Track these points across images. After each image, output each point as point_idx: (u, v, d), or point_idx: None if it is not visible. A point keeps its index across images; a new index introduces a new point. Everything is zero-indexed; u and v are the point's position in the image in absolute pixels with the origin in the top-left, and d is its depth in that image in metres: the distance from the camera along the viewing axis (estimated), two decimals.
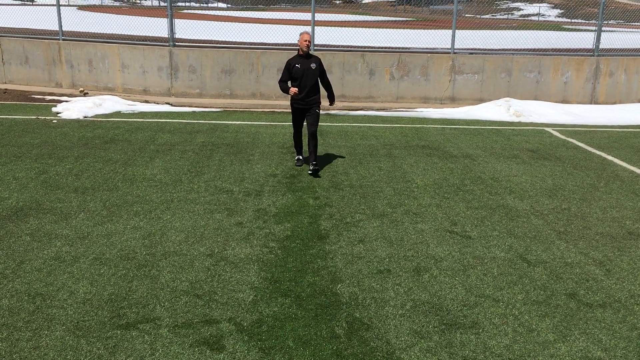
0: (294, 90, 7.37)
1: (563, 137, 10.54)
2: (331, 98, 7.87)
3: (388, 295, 4.50)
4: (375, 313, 4.23)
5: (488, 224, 6.03)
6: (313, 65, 7.45)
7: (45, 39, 14.04)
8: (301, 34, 7.44)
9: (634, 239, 5.74)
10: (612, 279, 4.88)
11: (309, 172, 7.49)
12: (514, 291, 4.61)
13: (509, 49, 14.24)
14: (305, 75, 7.43)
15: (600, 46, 13.55)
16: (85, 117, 11.10)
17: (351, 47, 14.48)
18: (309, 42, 7.44)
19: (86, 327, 3.93)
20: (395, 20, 44.84)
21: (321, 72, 7.63)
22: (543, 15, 63.51)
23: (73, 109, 11.33)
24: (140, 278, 4.64)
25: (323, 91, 7.95)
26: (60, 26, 13.85)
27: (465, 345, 3.85)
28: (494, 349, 3.82)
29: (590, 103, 13.60)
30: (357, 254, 5.21)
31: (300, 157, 8.07)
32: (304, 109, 7.64)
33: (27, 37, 14.29)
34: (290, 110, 8.12)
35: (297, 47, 7.68)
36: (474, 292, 4.57)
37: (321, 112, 12.31)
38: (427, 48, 13.83)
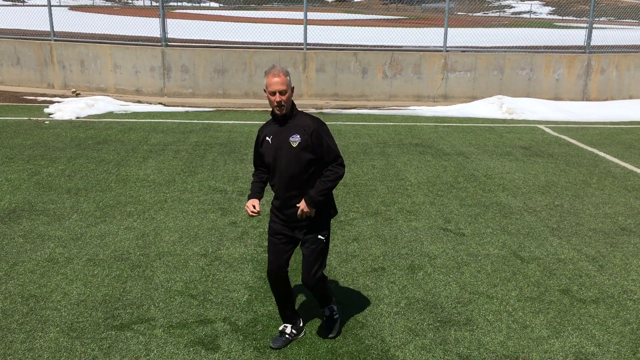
0: (249, 208, 3.61)
1: (555, 134, 10.58)
2: (316, 193, 3.54)
3: (382, 293, 4.50)
4: (369, 311, 4.24)
5: (481, 221, 6.05)
6: (294, 140, 3.51)
7: (36, 39, 13.97)
8: (267, 75, 3.54)
9: (627, 235, 5.77)
10: (605, 274, 4.90)
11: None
12: (508, 288, 4.63)
13: (501, 47, 14.28)
14: (278, 158, 3.57)
15: (592, 43, 13.61)
16: (78, 117, 11.06)
17: (344, 46, 14.48)
18: (283, 93, 3.48)
19: (80, 328, 3.92)
20: (388, 19, 44.87)
21: (315, 152, 3.53)
22: (535, 12, 63.69)
23: (65, 109, 11.28)
24: (134, 279, 4.63)
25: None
26: (52, 26, 13.78)
27: (459, 342, 3.86)
28: (488, 345, 3.83)
29: (582, 100, 13.66)
30: (351, 253, 5.22)
31: (286, 330, 3.86)
32: (289, 230, 3.69)
33: (19, 38, 14.21)
34: None
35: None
36: (468, 289, 4.58)
37: (314, 112, 12.30)
38: (419, 46, 13.85)
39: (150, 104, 12.63)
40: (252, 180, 3.83)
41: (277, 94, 3.47)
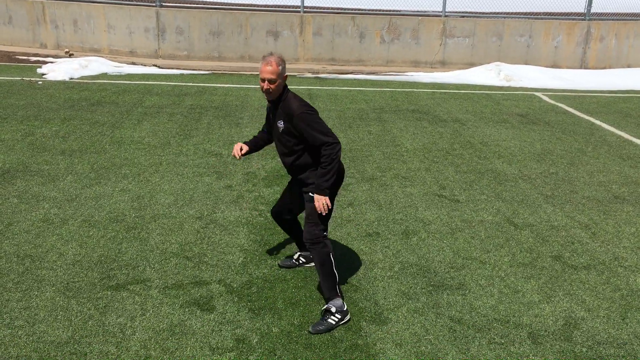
0: (236, 147, 4.02)
1: (552, 101, 10.54)
2: (321, 180, 3.59)
3: (377, 257, 4.54)
4: (363, 275, 4.28)
5: (476, 188, 6.07)
6: (280, 126, 3.72)
7: None
8: (262, 61, 3.65)
9: (620, 203, 5.81)
10: (597, 241, 4.95)
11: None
12: (501, 253, 4.67)
13: (501, 13, 14.10)
14: (274, 136, 3.89)
15: (592, 10, 13.46)
16: (71, 78, 10.93)
17: (341, 9, 14.26)
18: (272, 82, 3.58)
19: (76, 288, 3.95)
20: None
21: (300, 138, 3.67)
22: None
23: (58, 70, 11.14)
24: (129, 240, 4.64)
25: None
26: None
27: (451, 306, 3.91)
28: (479, 309, 3.88)
29: (581, 68, 13.58)
30: (346, 217, 5.24)
31: (294, 255, 4.40)
32: (294, 183, 4.02)
33: None
34: None
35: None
36: (461, 255, 4.62)
37: (310, 76, 12.20)
38: (418, 11, 13.66)
39: (145, 65, 12.48)
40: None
41: (266, 81, 3.58)
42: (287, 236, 4.76)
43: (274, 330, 3.58)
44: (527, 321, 3.77)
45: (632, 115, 9.61)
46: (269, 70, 3.56)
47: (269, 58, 3.61)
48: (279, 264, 4.33)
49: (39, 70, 11.30)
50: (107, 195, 5.52)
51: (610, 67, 13.66)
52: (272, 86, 3.59)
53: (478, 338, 3.58)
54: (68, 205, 5.24)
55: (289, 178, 4.22)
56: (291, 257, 4.38)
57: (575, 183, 6.32)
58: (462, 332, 3.64)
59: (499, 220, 5.29)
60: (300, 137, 3.66)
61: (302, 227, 3.93)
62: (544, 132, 8.33)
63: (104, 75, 11.37)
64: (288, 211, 4.07)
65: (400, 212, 5.40)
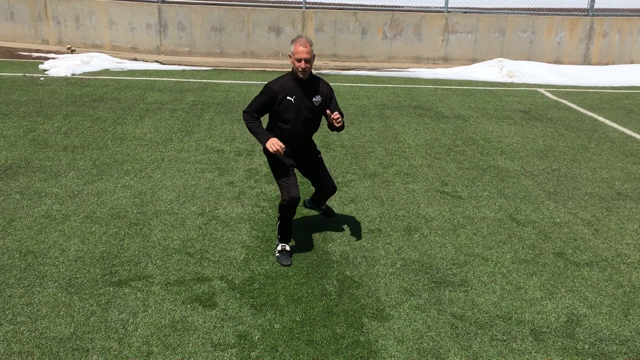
0: (279, 144, 4.12)
1: (555, 98, 10.52)
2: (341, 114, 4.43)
3: (378, 254, 4.54)
4: (365, 271, 4.27)
5: (479, 184, 6.06)
6: (317, 100, 4.26)
7: None
8: (295, 43, 4.09)
9: (622, 199, 5.80)
10: (600, 238, 4.94)
11: (320, 212, 4.89)
12: (503, 250, 4.67)
13: (504, 8, 14.04)
14: (301, 116, 4.24)
15: (595, 6, 13.41)
16: (73, 74, 10.92)
17: (343, 5, 14.22)
18: (308, 62, 4.07)
19: (78, 284, 3.95)
20: None
21: (326, 107, 4.35)
22: None
23: (60, 66, 11.14)
24: (131, 236, 4.65)
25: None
26: None
27: (453, 302, 3.91)
28: (481, 306, 3.88)
29: (584, 64, 13.53)
30: (348, 214, 5.24)
31: (287, 249, 4.42)
32: (297, 161, 4.48)
33: None
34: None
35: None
36: (464, 251, 4.62)
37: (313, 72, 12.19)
38: (420, 6, 13.61)
39: (147, 61, 12.47)
40: (256, 124, 4.25)
41: (303, 61, 4.04)
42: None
43: (275, 327, 3.58)
44: (529, 318, 3.76)
45: (635, 112, 9.58)
46: (306, 51, 4.03)
47: (303, 40, 4.06)
48: (285, 265, 4.31)
49: (41, 67, 11.30)
50: (109, 191, 5.52)
51: (613, 63, 13.62)
52: (308, 65, 4.07)
53: (480, 335, 3.58)
54: (70, 202, 5.25)
55: None
56: (286, 251, 4.39)
57: (578, 179, 6.31)
58: (464, 328, 3.63)
59: (501, 217, 5.29)
60: (329, 108, 4.33)
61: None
62: (546, 129, 8.31)
63: (105, 72, 11.37)
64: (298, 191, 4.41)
65: (403, 208, 5.40)
